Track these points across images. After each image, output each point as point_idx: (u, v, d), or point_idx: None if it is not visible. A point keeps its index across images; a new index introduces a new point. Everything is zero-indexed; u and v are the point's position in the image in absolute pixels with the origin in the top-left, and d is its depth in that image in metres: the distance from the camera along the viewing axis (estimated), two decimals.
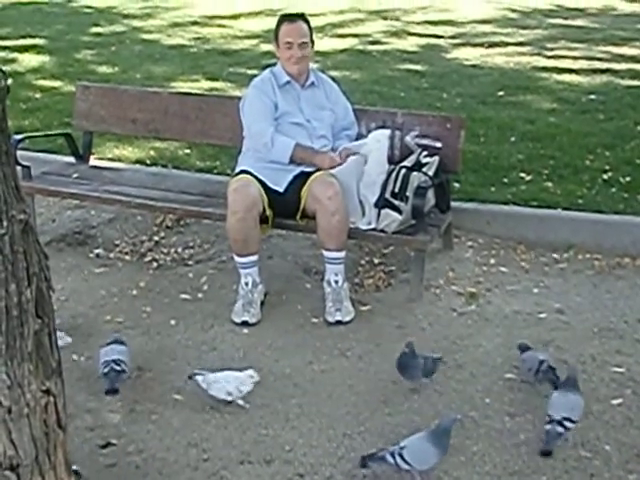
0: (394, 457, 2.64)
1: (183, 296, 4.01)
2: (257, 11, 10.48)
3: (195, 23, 10.07)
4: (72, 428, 2.82)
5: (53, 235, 4.67)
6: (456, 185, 4.81)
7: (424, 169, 3.94)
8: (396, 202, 3.80)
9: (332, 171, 3.81)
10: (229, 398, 3.07)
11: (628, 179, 5.03)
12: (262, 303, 3.84)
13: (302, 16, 3.99)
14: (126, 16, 10.64)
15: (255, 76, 4.17)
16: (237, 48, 8.76)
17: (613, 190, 4.89)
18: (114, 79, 7.32)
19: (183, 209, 4.24)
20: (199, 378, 3.12)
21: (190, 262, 4.39)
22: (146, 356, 3.47)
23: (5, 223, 1.98)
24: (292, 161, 3.86)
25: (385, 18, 10.14)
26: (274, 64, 4.07)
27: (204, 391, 3.09)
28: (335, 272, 3.77)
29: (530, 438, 2.91)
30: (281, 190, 3.84)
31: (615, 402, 3.13)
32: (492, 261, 4.32)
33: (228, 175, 4.64)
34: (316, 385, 3.26)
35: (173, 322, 3.77)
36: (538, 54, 8.21)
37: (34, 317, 2.08)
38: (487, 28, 9.48)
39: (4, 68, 2.05)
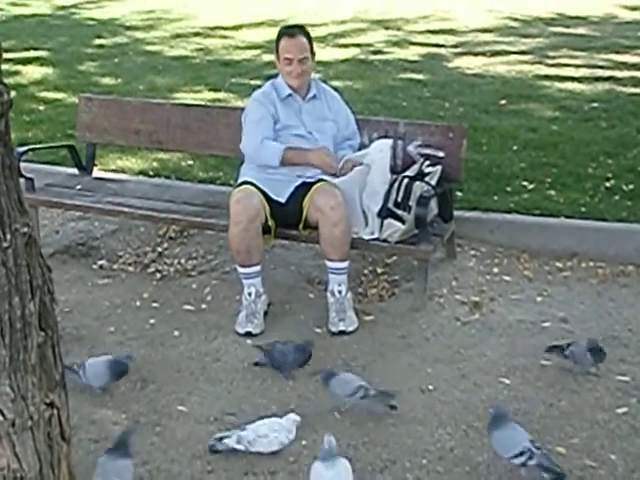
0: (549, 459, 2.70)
1: (186, 307, 4.01)
2: (259, 22, 10.51)
3: (197, 34, 10.10)
4: (76, 440, 2.82)
5: (57, 247, 4.68)
6: (459, 194, 4.81)
7: (427, 178, 3.95)
8: (399, 212, 3.81)
9: (334, 181, 3.82)
10: (280, 447, 2.88)
11: (631, 187, 5.03)
12: (265, 313, 3.84)
13: (302, 29, 3.98)
14: (129, 28, 10.68)
15: (258, 86, 4.19)
16: (239, 59, 8.79)
17: (616, 198, 4.89)
18: (117, 91, 7.35)
19: (186, 220, 4.24)
20: (230, 442, 2.86)
21: (193, 273, 4.39)
22: (150, 367, 3.47)
23: (8, 236, 1.98)
24: (283, 164, 3.84)
25: (387, 28, 10.16)
26: (276, 75, 4.08)
27: (244, 452, 2.86)
28: (338, 282, 3.77)
29: None
30: (283, 201, 3.84)
31: (620, 411, 3.12)
32: (495, 270, 4.32)
33: (231, 186, 4.64)
34: (320, 396, 3.25)
35: (177, 333, 3.77)
36: (540, 62, 8.22)
37: (37, 330, 2.08)
38: (489, 37, 9.50)
39: (7, 80, 2.06)
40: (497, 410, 2.85)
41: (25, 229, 2.03)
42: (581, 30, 9.79)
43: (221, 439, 2.90)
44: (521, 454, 2.67)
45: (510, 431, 2.77)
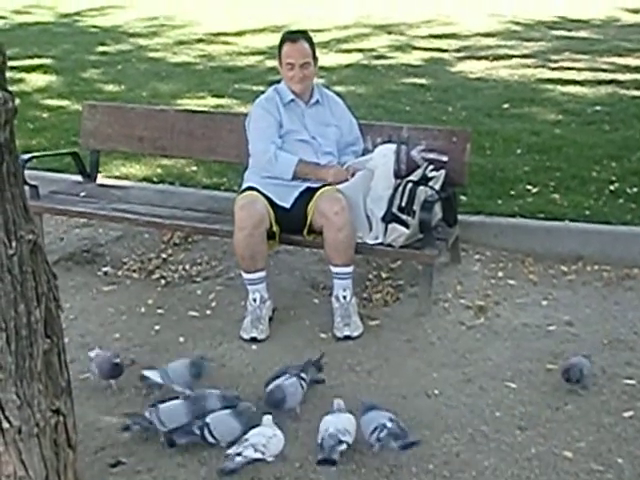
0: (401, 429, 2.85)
1: (191, 313, 4.01)
2: (261, 28, 10.53)
3: (200, 41, 10.12)
4: (82, 447, 2.82)
5: (61, 254, 4.69)
6: (463, 198, 4.80)
7: (430, 183, 3.95)
8: (403, 216, 3.81)
9: (339, 186, 3.82)
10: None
11: (635, 190, 5.02)
12: (270, 319, 3.84)
13: (304, 34, 3.99)
14: (132, 35, 10.70)
15: (261, 92, 4.19)
16: (242, 65, 8.80)
17: (620, 201, 4.88)
18: (120, 97, 7.36)
19: (190, 226, 4.25)
20: (248, 453, 2.83)
21: (198, 279, 4.39)
22: None
23: (14, 243, 1.99)
24: (296, 177, 3.86)
25: (389, 32, 10.18)
26: (279, 81, 4.08)
27: (257, 458, 2.85)
28: (343, 287, 3.77)
29: (541, 451, 2.90)
30: (287, 206, 3.85)
31: (627, 415, 3.11)
32: (500, 274, 4.31)
33: (235, 192, 4.65)
34: (325, 401, 3.24)
35: (182, 339, 3.77)
36: (542, 66, 8.22)
37: (43, 337, 2.09)
38: (491, 41, 9.50)
39: (12, 88, 2.06)
40: (366, 403, 3.02)
41: (30, 236, 2.04)
42: (583, 33, 9.79)
43: (230, 455, 2.85)
44: (375, 430, 2.83)
45: (372, 414, 2.91)
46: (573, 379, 3.21)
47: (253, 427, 2.95)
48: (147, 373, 3.28)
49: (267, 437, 2.88)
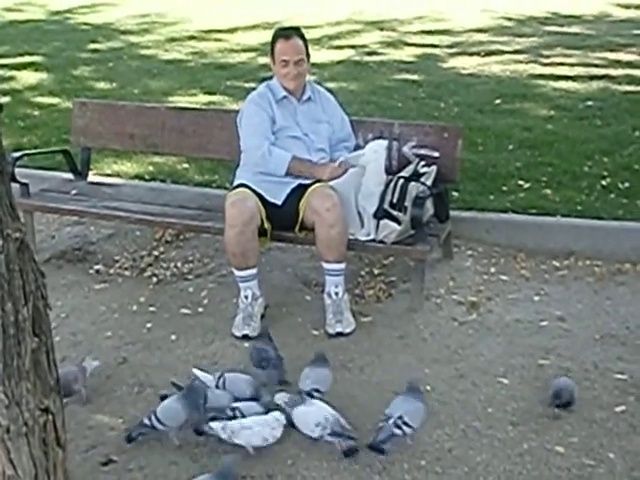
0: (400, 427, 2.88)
1: (183, 311, 4.01)
2: (253, 24, 10.51)
3: (192, 38, 10.09)
4: (73, 446, 2.82)
5: (52, 252, 4.67)
6: (455, 194, 4.81)
7: (422, 179, 3.94)
8: (395, 212, 3.80)
9: (330, 183, 3.81)
10: (265, 443, 2.88)
11: (627, 185, 5.03)
12: (262, 316, 3.83)
13: (297, 31, 3.98)
14: (123, 32, 10.67)
15: (252, 89, 4.18)
16: (234, 62, 8.78)
17: (612, 196, 4.89)
18: (112, 95, 7.33)
19: (182, 223, 4.24)
20: (216, 426, 2.89)
21: (190, 276, 4.38)
22: (147, 371, 3.45)
23: (0, 242, 1.98)
24: (289, 173, 3.85)
25: (381, 29, 10.16)
26: (271, 77, 4.07)
27: (225, 440, 2.88)
28: (335, 284, 3.76)
29: (533, 447, 2.90)
30: (279, 203, 3.84)
31: (618, 409, 3.11)
32: (492, 270, 4.31)
33: (226, 189, 4.63)
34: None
35: (174, 337, 3.76)
36: (534, 62, 8.22)
37: (31, 335, 2.08)
38: (483, 37, 9.50)
39: (2, 86, 2.06)
40: (411, 382, 3.06)
41: (17, 234, 2.02)
42: (575, 29, 9.79)
43: (213, 419, 2.93)
44: (388, 419, 2.90)
45: (398, 402, 2.96)
46: (564, 401, 3.08)
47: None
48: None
49: (242, 427, 2.88)
